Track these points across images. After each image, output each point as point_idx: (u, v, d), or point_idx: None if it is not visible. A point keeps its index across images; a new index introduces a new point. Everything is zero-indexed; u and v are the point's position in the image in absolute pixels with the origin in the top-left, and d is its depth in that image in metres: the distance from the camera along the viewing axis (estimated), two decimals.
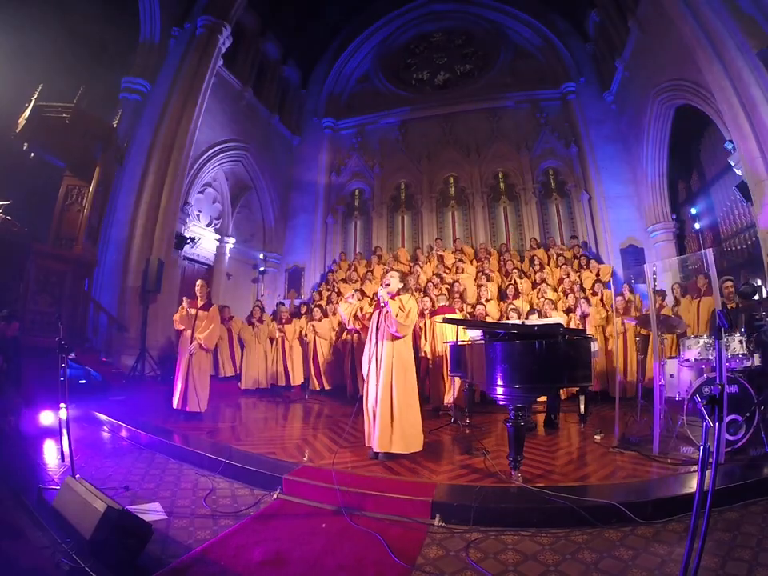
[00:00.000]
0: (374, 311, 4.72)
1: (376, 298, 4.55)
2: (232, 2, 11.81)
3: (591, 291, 9.03)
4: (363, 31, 16.86)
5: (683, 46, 8.88)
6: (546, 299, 8.18)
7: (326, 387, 8.92)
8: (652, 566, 2.45)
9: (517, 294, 8.89)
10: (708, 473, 1.79)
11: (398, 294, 4.58)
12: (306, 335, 9.10)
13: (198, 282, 6.65)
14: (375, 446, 4.23)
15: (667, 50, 9.95)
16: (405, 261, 12.68)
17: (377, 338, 4.50)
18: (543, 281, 9.61)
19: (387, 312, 4.44)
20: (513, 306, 7.60)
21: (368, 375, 4.51)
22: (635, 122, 12.31)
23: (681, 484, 3.48)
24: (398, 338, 4.46)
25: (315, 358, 8.98)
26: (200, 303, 6.43)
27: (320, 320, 9.17)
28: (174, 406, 6.09)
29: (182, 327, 6.31)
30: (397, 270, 4.87)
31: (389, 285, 4.60)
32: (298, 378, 8.91)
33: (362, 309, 4.68)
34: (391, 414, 4.28)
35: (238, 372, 9.17)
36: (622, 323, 7.64)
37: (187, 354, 6.16)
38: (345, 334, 8.83)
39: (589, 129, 13.66)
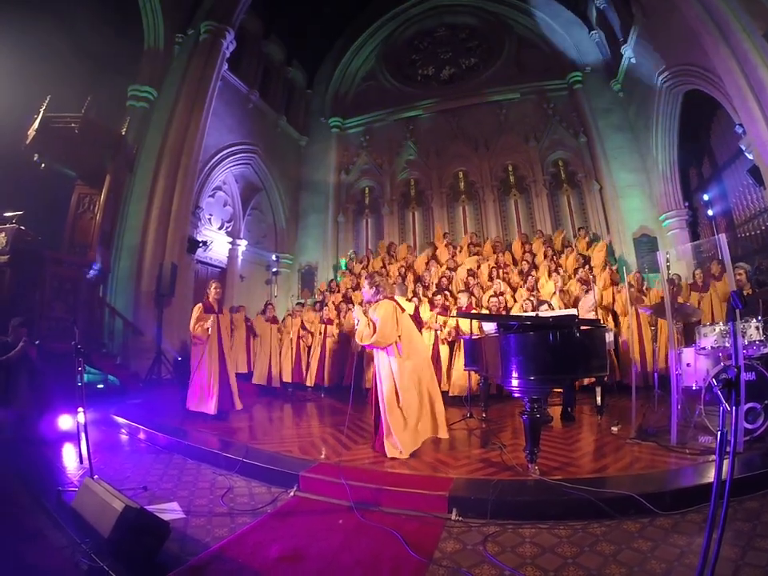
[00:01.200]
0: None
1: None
2: (234, 7, 11.84)
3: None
4: (366, 29, 16.82)
5: (688, 30, 8.75)
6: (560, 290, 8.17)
7: (342, 385, 8.94)
8: (671, 557, 2.41)
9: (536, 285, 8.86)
10: (726, 461, 1.76)
11: (376, 302, 4.54)
12: (320, 333, 9.12)
13: (214, 284, 6.59)
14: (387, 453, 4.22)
15: (672, 35, 9.80)
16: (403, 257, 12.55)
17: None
18: (556, 269, 9.58)
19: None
20: (531, 297, 7.60)
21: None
22: (643, 110, 12.14)
23: (699, 474, 3.43)
24: (382, 347, 4.41)
25: (332, 356, 9.02)
26: (216, 307, 6.47)
27: (334, 318, 9.20)
28: (214, 411, 6.10)
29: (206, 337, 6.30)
30: (366, 277, 4.78)
31: (365, 297, 4.62)
32: (312, 377, 8.95)
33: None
34: (387, 422, 4.27)
35: (250, 370, 9.22)
36: (637, 314, 7.56)
37: (216, 356, 6.26)
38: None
39: (597, 118, 13.45)
